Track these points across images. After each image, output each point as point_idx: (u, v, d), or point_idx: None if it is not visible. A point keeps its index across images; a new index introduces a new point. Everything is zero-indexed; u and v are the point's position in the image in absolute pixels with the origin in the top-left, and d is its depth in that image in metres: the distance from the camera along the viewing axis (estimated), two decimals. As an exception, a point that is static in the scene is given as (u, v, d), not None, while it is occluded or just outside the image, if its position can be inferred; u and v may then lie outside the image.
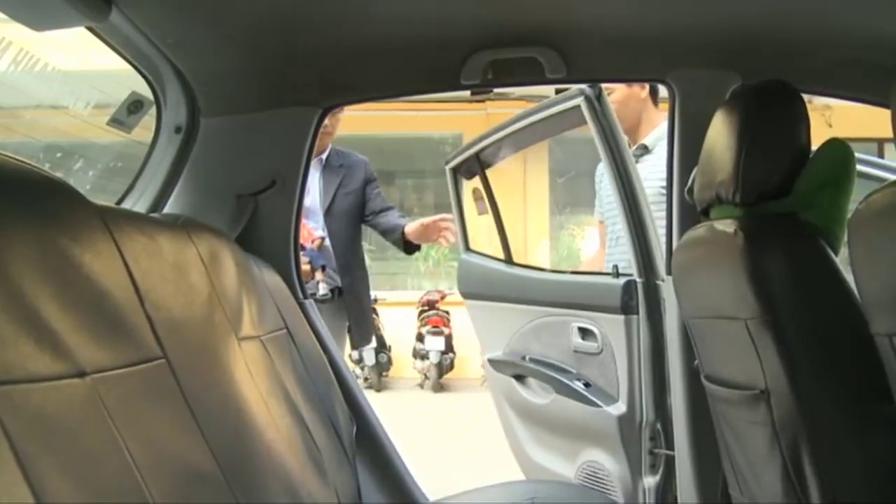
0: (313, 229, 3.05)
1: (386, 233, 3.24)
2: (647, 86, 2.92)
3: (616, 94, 2.89)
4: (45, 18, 1.47)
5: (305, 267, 2.86)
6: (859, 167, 1.71)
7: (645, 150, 2.90)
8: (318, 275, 3.00)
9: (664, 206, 2.16)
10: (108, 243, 1.11)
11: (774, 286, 1.45)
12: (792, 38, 1.87)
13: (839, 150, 1.58)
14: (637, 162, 2.86)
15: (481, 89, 2.24)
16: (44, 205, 1.00)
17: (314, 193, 3.09)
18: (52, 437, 0.84)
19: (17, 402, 0.81)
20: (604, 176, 3.02)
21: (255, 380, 1.49)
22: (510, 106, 6.97)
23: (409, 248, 3.21)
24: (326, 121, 2.76)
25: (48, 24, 1.50)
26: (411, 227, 3.14)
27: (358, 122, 5.00)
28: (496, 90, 7.85)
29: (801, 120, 1.57)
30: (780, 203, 1.55)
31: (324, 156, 3.14)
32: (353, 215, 3.19)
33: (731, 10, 1.77)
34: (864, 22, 1.74)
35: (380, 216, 3.22)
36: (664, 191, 2.19)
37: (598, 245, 3.29)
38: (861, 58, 1.82)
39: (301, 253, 2.76)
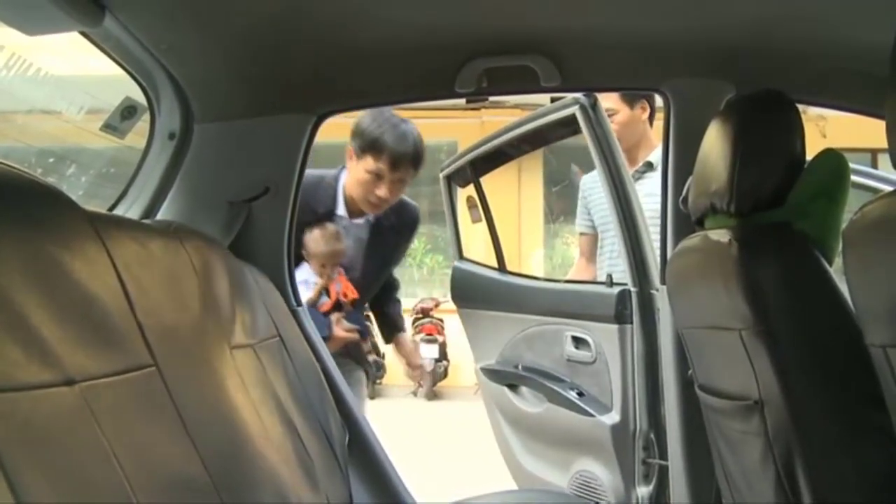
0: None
1: (380, 322, 2.93)
2: (647, 108, 2.97)
3: (619, 115, 2.94)
4: (39, 23, 1.46)
5: (352, 335, 2.57)
6: (853, 178, 1.71)
7: (650, 167, 2.96)
8: (367, 345, 2.68)
9: None
10: (99, 250, 1.10)
11: (768, 296, 1.45)
12: (786, 48, 1.87)
13: (834, 160, 1.58)
14: (641, 179, 2.89)
15: (476, 97, 2.24)
16: (34, 211, 0.99)
17: (350, 255, 2.59)
18: (39, 446, 0.83)
19: (5, 410, 0.80)
20: (594, 188, 3.06)
21: (246, 388, 1.48)
22: (505, 114, 6.97)
23: (389, 341, 2.94)
24: (403, 171, 2.48)
25: (41, 28, 1.49)
26: (397, 349, 2.92)
27: (353, 129, 5.00)
28: (491, 98, 7.85)
29: (795, 130, 1.57)
30: (775, 213, 1.54)
31: (373, 217, 2.61)
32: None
33: (725, 19, 1.78)
34: (857, 32, 1.75)
35: (384, 301, 2.88)
36: None
37: (579, 257, 3.32)
38: (855, 67, 1.82)
39: (340, 314, 2.55)
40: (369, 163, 2.48)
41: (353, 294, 2.60)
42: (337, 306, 2.57)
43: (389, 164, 2.48)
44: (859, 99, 1.95)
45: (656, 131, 3.06)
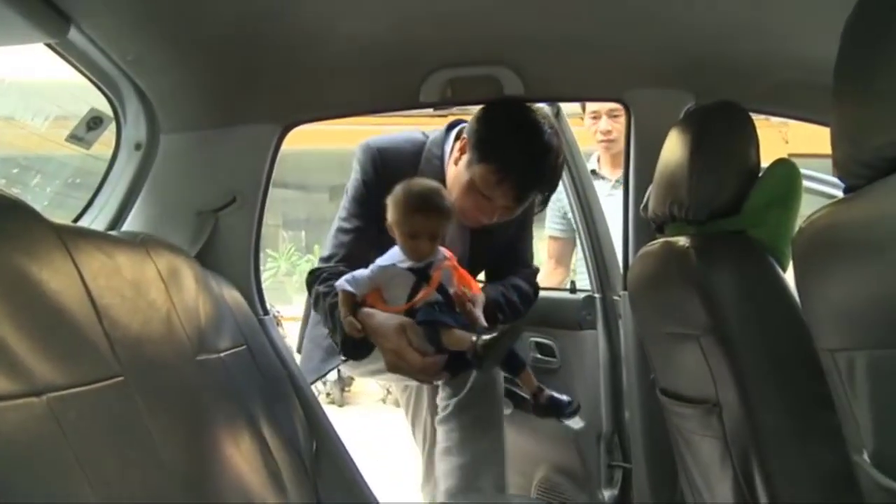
0: None
1: None
2: None
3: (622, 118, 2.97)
4: (2, 35, 1.46)
5: None
6: (810, 184, 1.75)
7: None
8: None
9: None
10: (66, 261, 1.11)
11: (725, 302, 1.48)
12: (743, 61, 1.91)
13: (786, 169, 1.62)
14: (618, 187, 2.93)
15: (441, 107, 2.21)
16: None
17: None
18: (7, 456, 0.83)
19: None
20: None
21: (214, 397, 1.49)
22: (472, 121, 6.97)
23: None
24: (527, 201, 1.91)
25: (5, 40, 1.49)
26: None
27: (322, 136, 4.99)
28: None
29: (750, 141, 1.61)
30: (731, 221, 1.58)
31: None
32: None
33: (685, 32, 1.82)
34: (810, 45, 1.79)
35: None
36: None
37: (547, 260, 3.34)
38: (808, 79, 1.86)
39: None
40: (487, 178, 1.81)
41: (475, 287, 1.82)
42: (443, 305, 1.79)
43: (514, 195, 1.84)
44: (813, 109, 2.00)
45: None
